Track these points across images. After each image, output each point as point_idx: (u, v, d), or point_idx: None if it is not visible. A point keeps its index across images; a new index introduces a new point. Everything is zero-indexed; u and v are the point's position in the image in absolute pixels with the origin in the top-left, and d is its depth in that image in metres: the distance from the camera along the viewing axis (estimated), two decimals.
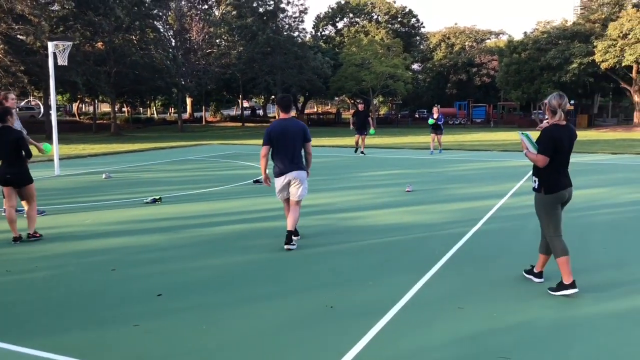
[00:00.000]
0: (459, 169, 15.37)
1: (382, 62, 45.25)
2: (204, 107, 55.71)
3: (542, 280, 5.45)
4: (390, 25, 55.79)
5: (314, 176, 13.67)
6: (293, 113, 7.16)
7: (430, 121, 19.43)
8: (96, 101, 47.42)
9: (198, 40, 41.34)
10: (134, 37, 37.90)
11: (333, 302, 4.91)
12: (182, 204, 9.95)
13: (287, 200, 6.92)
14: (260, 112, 67.91)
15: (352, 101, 45.86)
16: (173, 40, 43.57)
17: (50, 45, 13.74)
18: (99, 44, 35.81)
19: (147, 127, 46.78)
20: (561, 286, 5.12)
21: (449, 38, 58.76)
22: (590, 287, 5.23)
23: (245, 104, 65.00)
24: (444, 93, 56.77)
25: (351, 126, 20.29)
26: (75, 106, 58.43)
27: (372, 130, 19.55)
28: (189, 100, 54.74)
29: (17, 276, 5.72)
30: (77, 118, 52.74)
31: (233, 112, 67.31)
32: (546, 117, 4.97)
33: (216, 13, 46.66)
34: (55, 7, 31.05)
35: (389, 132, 35.33)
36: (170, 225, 8.17)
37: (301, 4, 54.19)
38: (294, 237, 6.83)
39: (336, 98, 60.03)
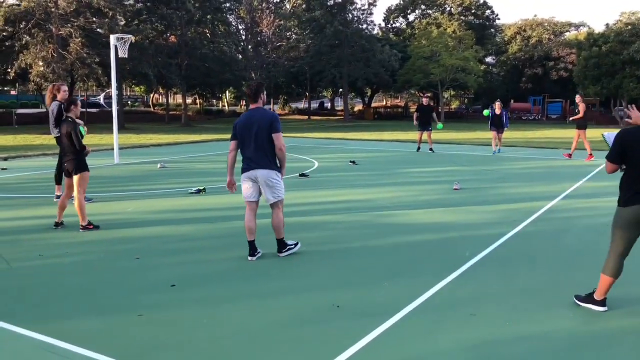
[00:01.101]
0: (517, 167, 14.74)
1: (452, 54, 44.12)
2: (272, 100, 56.46)
3: None
4: (463, 17, 54.22)
5: (360, 170, 13.58)
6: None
7: (486, 112, 18.65)
8: (169, 93, 49.07)
9: (268, 33, 41.86)
10: (206, 31, 38.89)
11: (343, 302, 4.79)
12: (224, 195, 10.06)
13: (253, 203, 6.12)
14: (328, 105, 68.00)
15: (421, 94, 45.02)
16: (243, 34, 44.40)
17: (112, 39, 14.30)
18: (172, 38, 37.04)
19: (217, 118, 47.95)
20: (590, 299, 4.73)
21: (524, 30, 56.48)
22: (619, 301, 4.82)
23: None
24: (518, 87, 54.70)
25: (415, 122, 19.38)
26: (151, 97, 60.72)
27: (439, 125, 18.94)
28: None
29: (47, 260, 5.97)
30: (152, 109, 54.77)
31: (301, 104, 67.82)
32: (620, 114, 4.46)
33: (287, 6, 47.10)
34: (130, 1, 32.35)
35: (457, 127, 34.45)
36: (206, 216, 8.30)
37: None
38: (283, 249, 6.25)
39: (411, 91, 58.91)
